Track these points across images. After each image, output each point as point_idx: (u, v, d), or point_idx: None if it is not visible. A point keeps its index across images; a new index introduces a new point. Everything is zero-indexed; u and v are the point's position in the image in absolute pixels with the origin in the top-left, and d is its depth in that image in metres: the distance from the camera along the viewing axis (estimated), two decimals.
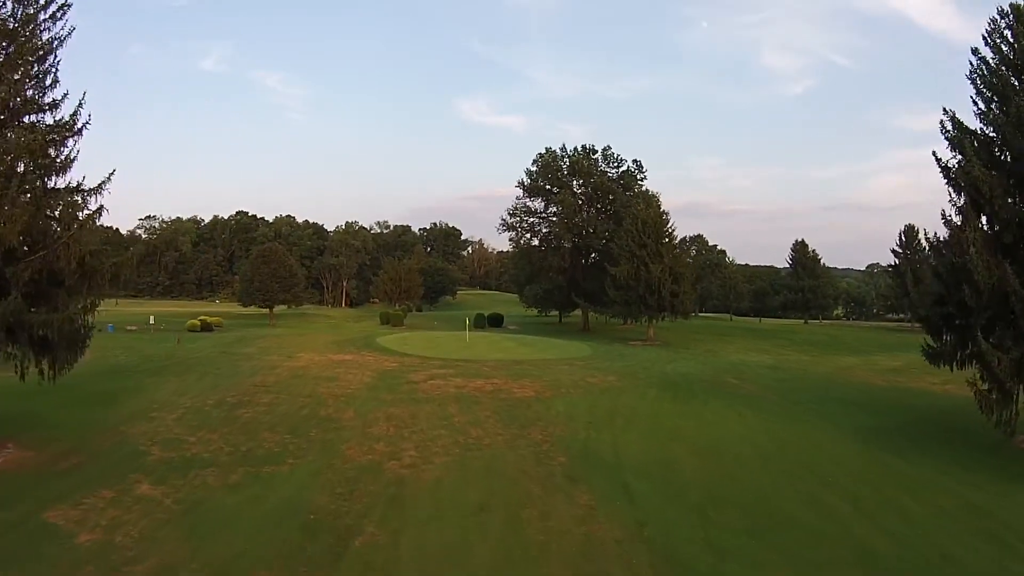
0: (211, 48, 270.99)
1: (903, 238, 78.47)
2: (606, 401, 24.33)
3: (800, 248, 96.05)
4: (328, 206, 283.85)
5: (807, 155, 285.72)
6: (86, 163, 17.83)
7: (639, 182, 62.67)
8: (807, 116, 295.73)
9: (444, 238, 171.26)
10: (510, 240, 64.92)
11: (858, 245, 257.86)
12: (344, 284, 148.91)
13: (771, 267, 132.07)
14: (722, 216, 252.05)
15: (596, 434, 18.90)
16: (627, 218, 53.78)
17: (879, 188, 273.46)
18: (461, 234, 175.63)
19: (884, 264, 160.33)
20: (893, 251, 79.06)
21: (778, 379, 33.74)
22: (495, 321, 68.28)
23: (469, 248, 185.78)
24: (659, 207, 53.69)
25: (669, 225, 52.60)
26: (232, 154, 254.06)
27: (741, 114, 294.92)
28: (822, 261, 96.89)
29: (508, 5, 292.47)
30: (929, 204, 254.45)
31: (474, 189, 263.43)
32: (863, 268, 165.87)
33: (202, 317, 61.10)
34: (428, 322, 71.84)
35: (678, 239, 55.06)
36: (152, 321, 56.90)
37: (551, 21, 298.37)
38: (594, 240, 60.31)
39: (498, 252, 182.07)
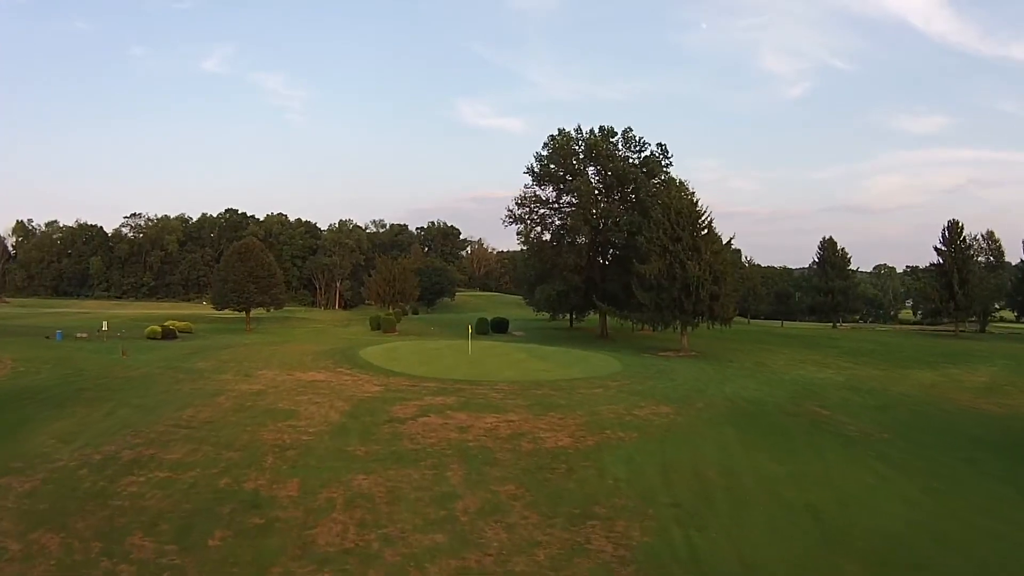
0: (213, 49, 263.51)
1: (947, 234, 71.44)
2: (677, 452, 16.74)
3: (829, 246, 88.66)
4: (324, 206, 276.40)
5: (806, 157, 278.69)
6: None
7: (664, 168, 54.84)
8: (806, 118, 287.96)
9: (442, 237, 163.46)
10: (518, 234, 56.73)
11: (857, 246, 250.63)
12: (337, 285, 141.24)
13: (784, 267, 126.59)
14: (721, 217, 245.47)
15: (699, 535, 11.00)
16: (656, 208, 46.14)
17: (878, 189, 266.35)
18: (460, 233, 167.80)
19: (891, 265, 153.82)
20: (936, 249, 72.20)
21: (869, 406, 26.39)
22: (499, 326, 60.68)
23: (468, 248, 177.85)
24: (692, 194, 46.06)
25: (705, 216, 44.95)
26: (231, 155, 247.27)
27: (740, 116, 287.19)
28: (851, 260, 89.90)
29: (508, 7, 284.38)
30: (929, 204, 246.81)
31: (473, 191, 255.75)
32: (867, 270, 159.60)
33: (167, 322, 53.53)
34: (424, 327, 63.95)
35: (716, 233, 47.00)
36: (105, 327, 49.29)
37: (551, 23, 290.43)
38: (615, 233, 52.38)
39: (498, 252, 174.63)
